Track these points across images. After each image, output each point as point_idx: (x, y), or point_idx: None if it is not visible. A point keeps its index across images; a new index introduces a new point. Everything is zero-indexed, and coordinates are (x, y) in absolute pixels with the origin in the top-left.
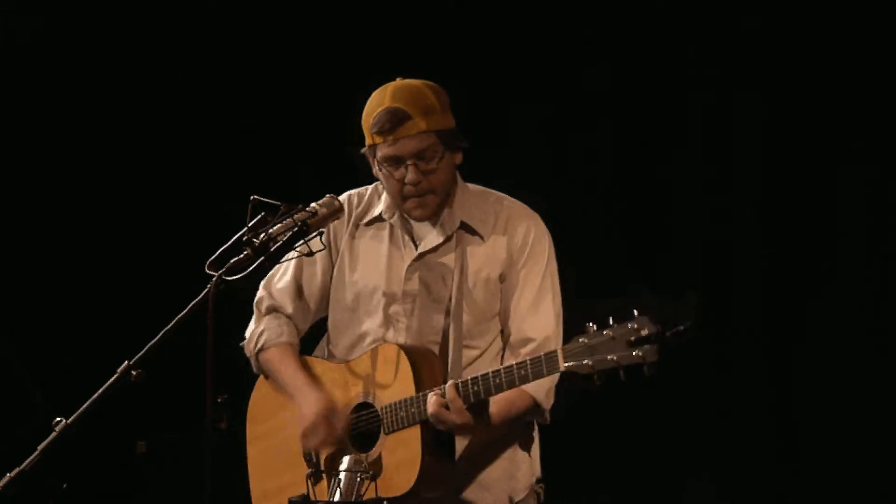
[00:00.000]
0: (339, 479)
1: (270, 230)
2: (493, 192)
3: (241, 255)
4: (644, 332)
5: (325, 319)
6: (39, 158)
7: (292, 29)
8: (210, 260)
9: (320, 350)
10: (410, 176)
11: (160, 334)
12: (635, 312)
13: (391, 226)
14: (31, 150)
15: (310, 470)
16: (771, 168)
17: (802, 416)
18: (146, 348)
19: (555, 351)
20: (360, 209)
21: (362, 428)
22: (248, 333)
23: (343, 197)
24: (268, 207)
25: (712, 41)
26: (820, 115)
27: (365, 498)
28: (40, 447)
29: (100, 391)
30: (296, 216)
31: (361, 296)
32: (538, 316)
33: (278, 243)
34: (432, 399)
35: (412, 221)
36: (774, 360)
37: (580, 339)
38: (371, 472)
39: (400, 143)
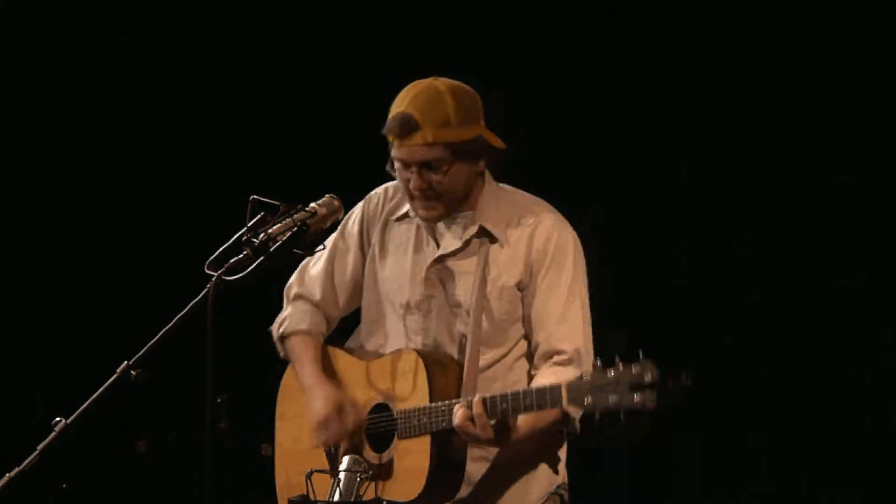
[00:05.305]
0: (339, 479)
1: (270, 230)
2: (525, 195)
3: (241, 255)
4: (647, 379)
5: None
6: (39, 159)
7: (293, 29)
8: (209, 260)
9: (354, 339)
10: (414, 182)
11: (160, 334)
12: (640, 354)
13: (417, 224)
14: (31, 150)
15: (322, 462)
16: (770, 166)
17: (802, 409)
18: (146, 348)
19: (559, 385)
20: (392, 203)
21: (379, 429)
22: (276, 319)
23: (379, 189)
24: (267, 207)
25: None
26: (817, 112)
27: (365, 498)
28: (40, 447)
29: (100, 391)
30: (295, 216)
31: (387, 292)
32: (566, 326)
33: (277, 243)
34: (459, 412)
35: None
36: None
37: (584, 378)
38: (371, 473)
39: (406, 150)
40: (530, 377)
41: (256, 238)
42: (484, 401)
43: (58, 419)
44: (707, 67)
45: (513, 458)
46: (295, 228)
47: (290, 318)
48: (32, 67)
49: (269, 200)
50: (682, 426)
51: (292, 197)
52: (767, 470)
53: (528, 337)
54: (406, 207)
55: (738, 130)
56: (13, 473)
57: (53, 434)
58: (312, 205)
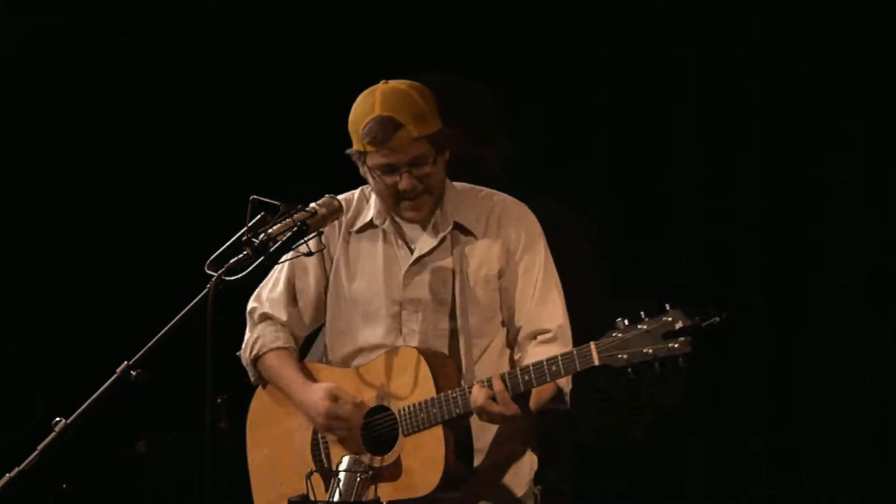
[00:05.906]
0: (339, 479)
1: (270, 230)
2: (481, 188)
3: (241, 255)
4: (678, 325)
5: (319, 328)
6: (39, 159)
7: (293, 29)
8: (209, 260)
9: (313, 355)
10: (405, 183)
11: (160, 334)
12: (667, 306)
13: (384, 231)
14: (31, 150)
15: (314, 468)
16: (770, 166)
17: (803, 410)
18: (146, 348)
19: (588, 346)
20: (349, 216)
21: (378, 431)
22: (243, 344)
23: None
24: (267, 207)
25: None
26: (817, 112)
27: (365, 498)
28: (40, 447)
29: (100, 391)
30: (295, 216)
31: (361, 304)
32: (547, 306)
33: (278, 243)
34: (478, 392)
35: (403, 225)
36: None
37: (613, 334)
38: (370, 473)
39: (394, 153)
40: (513, 362)
41: (256, 238)
42: (503, 377)
43: (58, 419)
44: (707, 67)
45: (507, 447)
46: (295, 228)
47: (263, 337)
48: (32, 67)
49: (269, 200)
50: (683, 427)
51: (292, 197)
52: (768, 471)
53: (505, 324)
54: (368, 217)
55: (738, 130)
56: (13, 473)
57: (53, 434)
58: (312, 205)
